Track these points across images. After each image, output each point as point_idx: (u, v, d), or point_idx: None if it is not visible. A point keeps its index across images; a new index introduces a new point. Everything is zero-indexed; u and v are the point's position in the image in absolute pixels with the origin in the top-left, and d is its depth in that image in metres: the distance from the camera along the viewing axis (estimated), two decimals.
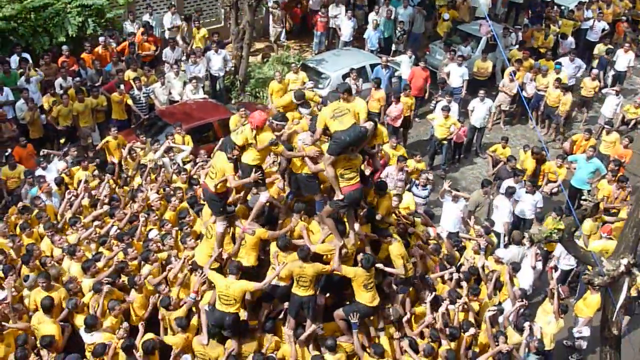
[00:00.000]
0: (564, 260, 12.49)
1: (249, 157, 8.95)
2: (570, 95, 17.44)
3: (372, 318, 9.49)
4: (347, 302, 9.42)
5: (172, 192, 11.99)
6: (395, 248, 9.61)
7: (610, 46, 20.13)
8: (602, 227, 12.53)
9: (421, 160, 14.78)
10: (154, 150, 13.40)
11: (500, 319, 10.25)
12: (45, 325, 9.26)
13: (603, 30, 21.00)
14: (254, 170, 8.98)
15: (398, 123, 16.35)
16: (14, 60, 15.77)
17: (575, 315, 11.45)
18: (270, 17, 20.66)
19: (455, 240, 12.07)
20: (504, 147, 15.51)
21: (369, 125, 9.09)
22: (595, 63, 19.78)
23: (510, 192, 13.43)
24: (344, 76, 17.54)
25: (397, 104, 16.30)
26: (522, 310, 10.24)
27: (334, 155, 8.64)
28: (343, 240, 9.09)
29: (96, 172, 12.80)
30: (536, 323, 10.33)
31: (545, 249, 12.52)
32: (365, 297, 9.09)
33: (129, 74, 16.24)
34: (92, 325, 9.11)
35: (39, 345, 9.02)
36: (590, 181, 14.41)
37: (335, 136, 8.63)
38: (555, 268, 12.13)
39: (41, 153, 13.54)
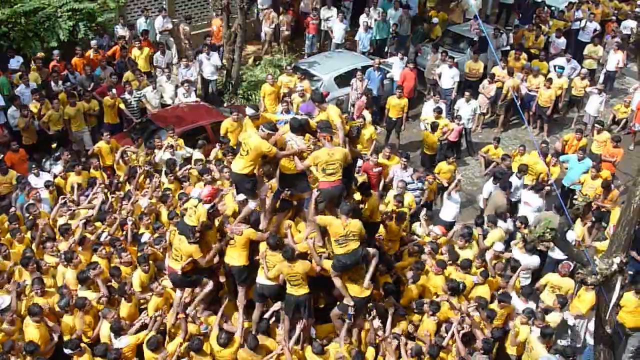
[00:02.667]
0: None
1: (239, 166, 9.03)
2: (551, 90, 17.56)
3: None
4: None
5: (165, 194, 12.01)
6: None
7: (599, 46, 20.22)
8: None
9: (452, 163, 14.66)
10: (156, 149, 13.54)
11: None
12: (29, 329, 9.28)
13: (595, 30, 21.09)
14: (248, 178, 9.07)
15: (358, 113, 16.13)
16: (15, 62, 15.83)
17: (569, 313, 11.45)
18: (281, 20, 20.73)
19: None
20: (495, 148, 15.55)
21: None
22: (586, 63, 19.84)
23: (539, 189, 13.58)
24: (336, 78, 17.57)
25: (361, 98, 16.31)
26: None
27: (320, 207, 9.02)
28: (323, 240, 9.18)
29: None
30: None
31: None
32: (354, 289, 9.15)
33: (128, 75, 16.27)
34: (119, 329, 9.23)
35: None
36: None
37: (320, 190, 8.96)
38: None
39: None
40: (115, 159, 13.44)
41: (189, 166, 13.07)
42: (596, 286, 7.78)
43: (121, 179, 12.88)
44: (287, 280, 9.07)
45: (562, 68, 18.17)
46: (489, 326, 10.02)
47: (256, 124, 9.71)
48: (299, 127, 9.25)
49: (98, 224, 11.42)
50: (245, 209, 9.36)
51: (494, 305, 10.44)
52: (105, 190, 12.31)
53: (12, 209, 11.93)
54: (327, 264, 9.13)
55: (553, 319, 10.59)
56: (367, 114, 15.57)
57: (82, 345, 9.18)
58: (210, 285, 9.46)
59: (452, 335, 9.62)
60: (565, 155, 15.29)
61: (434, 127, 15.52)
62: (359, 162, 13.17)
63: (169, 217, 11.42)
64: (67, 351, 9.10)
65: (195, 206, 9.07)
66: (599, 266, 7.45)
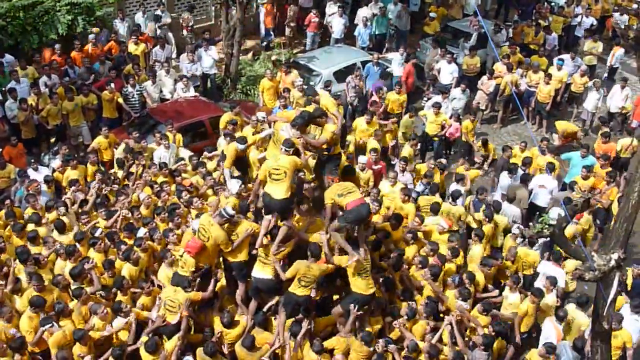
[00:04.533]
0: None
1: (282, 192, 8.96)
2: (551, 86, 17.54)
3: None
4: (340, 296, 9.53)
5: (160, 188, 12.07)
6: None
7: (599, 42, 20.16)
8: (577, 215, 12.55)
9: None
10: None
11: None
12: (22, 319, 9.29)
13: (591, 25, 21.04)
14: (290, 201, 9.17)
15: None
16: (7, 60, 15.76)
17: None
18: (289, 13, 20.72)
19: None
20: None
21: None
22: (586, 59, 19.80)
23: (550, 169, 13.97)
24: (336, 73, 17.55)
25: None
26: None
27: (346, 225, 9.03)
28: (357, 255, 9.12)
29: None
30: None
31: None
32: (360, 285, 9.14)
33: (129, 69, 16.29)
34: (118, 309, 9.37)
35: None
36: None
37: (350, 210, 8.89)
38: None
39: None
40: (112, 154, 13.44)
41: (183, 162, 13.08)
42: (594, 282, 7.77)
43: (119, 175, 12.85)
44: (297, 279, 9.06)
45: (562, 60, 18.17)
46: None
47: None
48: (302, 123, 9.32)
49: (94, 214, 11.48)
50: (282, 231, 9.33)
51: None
52: (103, 185, 12.30)
53: (7, 202, 11.88)
54: (338, 259, 9.17)
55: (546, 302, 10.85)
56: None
57: (62, 323, 9.23)
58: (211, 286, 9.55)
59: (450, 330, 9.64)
60: (568, 153, 15.24)
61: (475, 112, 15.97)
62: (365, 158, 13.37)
63: (156, 212, 11.47)
64: (42, 329, 9.12)
65: (181, 256, 9.30)
66: (597, 262, 7.45)
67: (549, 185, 13.79)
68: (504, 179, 14.00)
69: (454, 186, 13.45)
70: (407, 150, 14.54)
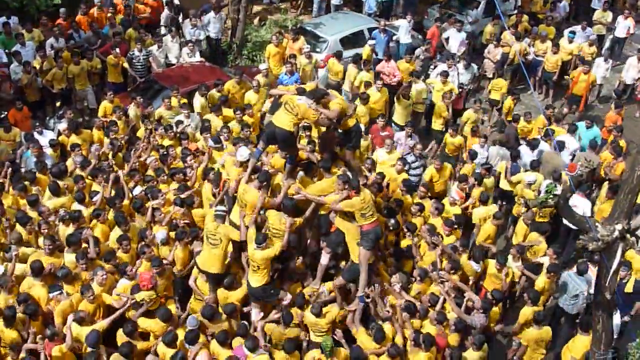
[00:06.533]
0: None
1: (285, 121, 9.13)
2: (558, 56, 17.43)
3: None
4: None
5: (166, 151, 12.11)
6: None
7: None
8: (569, 166, 12.59)
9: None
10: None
11: None
12: (36, 289, 9.29)
13: None
14: (292, 135, 9.31)
15: (395, 81, 15.99)
16: (13, 21, 15.66)
17: None
18: None
19: None
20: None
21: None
22: (595, 29, 19.59)
23: (573, 130, 14.13)
24: (342, 40, 17.41)
25: (389, 62, 16.08)
26: None
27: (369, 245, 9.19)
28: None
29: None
30: None
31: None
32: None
33: (131, 33, 16.21)
34: (123, 272, 9.53)
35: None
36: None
37: (368, 232, 9.12)
38: None
39: None
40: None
41: (185, 124, 13.06)
42: (597, 252, 7.81)
43: (122, 141, 12.82)
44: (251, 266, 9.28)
45: (574, 33, 17.97)
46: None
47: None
48: (320, 96, 9.35)
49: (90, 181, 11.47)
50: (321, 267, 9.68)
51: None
52: (107, 150, 12.31)
53: (7, 163, 11.83)
54: (339, 222, 9.42)
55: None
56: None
57: (65, 290, 9.33)
58: None
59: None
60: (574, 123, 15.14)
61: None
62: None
63: (157, 174, 11.50)
64: (50, 295, 9.23)
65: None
66: (601, 233, 7.47)
67: (570, 145, 13.78)
68: (526, 155, 13.77)
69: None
70: (469, 114, 14.76)
